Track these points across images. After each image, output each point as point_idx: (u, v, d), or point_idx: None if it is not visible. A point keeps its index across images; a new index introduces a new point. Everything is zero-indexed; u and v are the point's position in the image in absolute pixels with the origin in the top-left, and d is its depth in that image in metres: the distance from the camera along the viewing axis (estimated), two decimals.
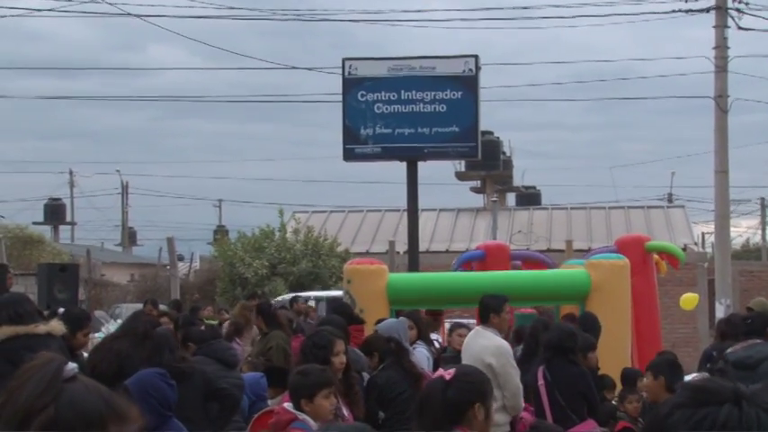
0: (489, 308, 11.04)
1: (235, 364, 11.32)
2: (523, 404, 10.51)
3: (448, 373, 5.79)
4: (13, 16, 30.85)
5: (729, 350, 11.09)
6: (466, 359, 10.38)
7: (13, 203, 56.42)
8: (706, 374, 10.72)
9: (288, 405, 6.99)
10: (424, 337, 12.55)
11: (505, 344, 10.82)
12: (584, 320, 12.51)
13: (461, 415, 5.57)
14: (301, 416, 6.66)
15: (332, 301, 14.93)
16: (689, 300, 20.74)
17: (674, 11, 29.00)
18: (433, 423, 5.54)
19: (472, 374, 5.92)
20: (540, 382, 10.16)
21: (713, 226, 30.38)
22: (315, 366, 7.32)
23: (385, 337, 10.60)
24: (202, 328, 12.27)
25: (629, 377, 12.04)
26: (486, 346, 10.54)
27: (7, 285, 14.92)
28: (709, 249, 33.55)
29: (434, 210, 39.13)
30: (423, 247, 26.03)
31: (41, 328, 8.41)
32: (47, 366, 3.15)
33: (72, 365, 3.16)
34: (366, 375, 10.42)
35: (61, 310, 12.22)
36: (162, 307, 18.12)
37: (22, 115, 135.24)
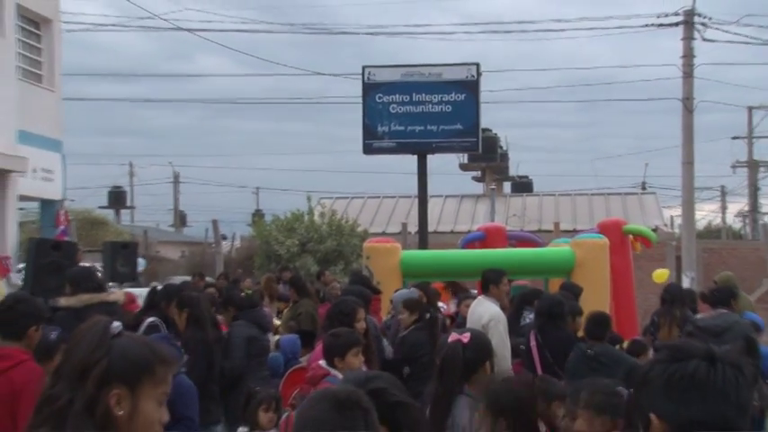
0: (489, 280, 11.11)
1: (269, 328, 11.35)
2: (510, 366, 10.57)
3: (464, 337, 5.79)
4: (81, 30, 30.76)
5: (699, 317, 11.10)
6: (469, 323, 10.42)
7: (81, 190, 56.48)
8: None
9: (321, 362, 7.01)
10: (431, 304, 12.55)
11: (500, 312, 10.86)
12: (568, 287, 12.58)
13: (475, 372, 5.59)
14: (333, 371, 6.68)
15: (353, 274, 14.92)
16: (660, 274, 20.77)
17: (647, 25, 29.08)
18: (452, 379, 5.56)
19: (482, 337, 5.96)
20: (533, 343, 10.19)
21: (680, 210, 30.34)
22: (345, 329, 7.37)
23: (426, 306, 10.68)
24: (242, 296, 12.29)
25: (612, 340, 12.05)
26: (482, 313, 10.64)
27: (77, 260, 14.91)
28: (677, 230, 33.41)
29: (441, 196, 39.07)
30: (431, 228, 25.98)
31: (112, 296, 8.49)
32: (95, 327, 3.21)
33: (117, 324, 3.23)
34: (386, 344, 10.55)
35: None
36: (207, 279, 18.16)
37: (89, 115, 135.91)
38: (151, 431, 3.20)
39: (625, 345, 11.70)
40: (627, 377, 8.51)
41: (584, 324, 10.01)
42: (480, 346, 5.72)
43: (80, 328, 3.27)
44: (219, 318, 10.57)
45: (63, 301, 8.45)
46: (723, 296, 11.07)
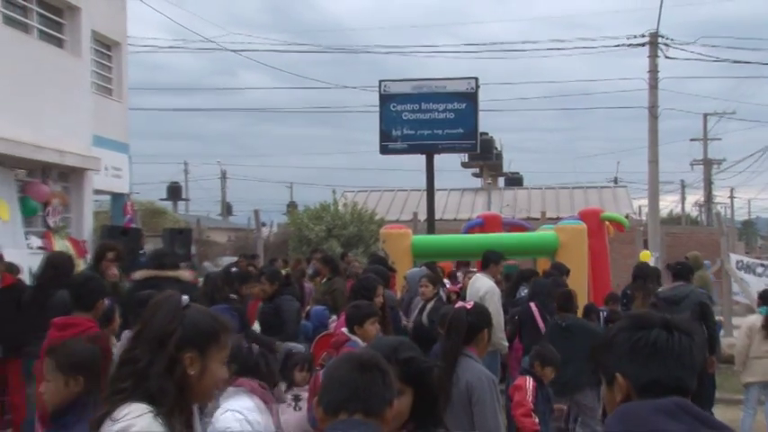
0: (490, 260, 11.26)
1: (306, 301, 11.44)
2: (506, 341, 10.64)
3: (468, 304, 5.85)
4: (144, 52, 30.94)
5: (660, 289, 11.11)
6: (469, 295, 10.50)
7: (144, 185, 56.54)
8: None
9: (344, 329, 7.06)
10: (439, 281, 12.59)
11: (495, 286, 10.98)
12: (556, 267, 12.60)
13: (475, 336, 5.61)
14: (353, 338, 6.73)
15: (372, 256, 14.92)
16: (645, 254, 20.98)
17: (619, 45, 29.01)
18: (457, 339, 5.59)
19: (483, 308, 5.97)
20: (534, 308, 10.27)
21: (647, 200, 30.25)
22: (364, 302, 7.41)
23: (441, 281, 10.77)
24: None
25: (588, 309, 12.07)
26: (480, 287, 10.73)
27: (141, 243, 15.02)
28: (644, 217, 33.33)
29: (446, 189, 39.02)
30: (437, 216, 25.96)
31: (181, 273, 8.54)
32: (169, 300, 3.27)
33: (185, 297, 3.30)
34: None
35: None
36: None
37: (150, 122, 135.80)
38: (216, 387, 3.30)
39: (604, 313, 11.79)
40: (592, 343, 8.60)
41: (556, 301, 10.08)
42: (481, 315, 5.75)
43: (154, 301, 3.32)
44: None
45: (138, 275, 8.53)
46: (684, 271, 11.07)
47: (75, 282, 6.82)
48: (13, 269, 11.23)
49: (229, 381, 4.84)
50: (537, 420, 6.92)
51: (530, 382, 7.24)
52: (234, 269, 10.68)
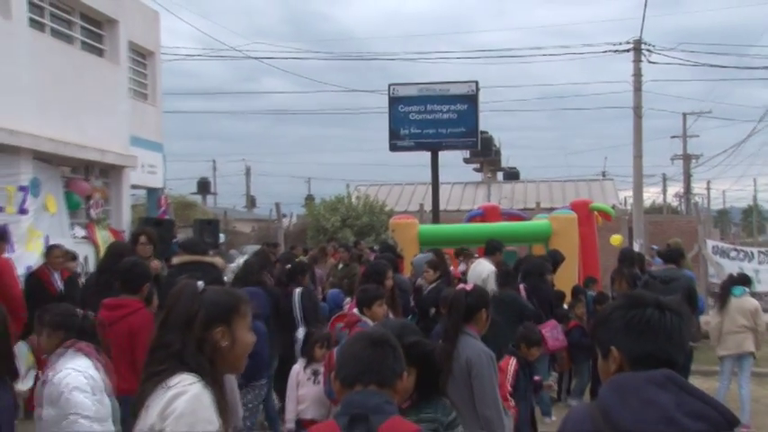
0: (494, 247, 11.38)
1: (316, 286, 11.48)
2: None
3: (467, 287, 5.85)
4: (176, 60, 30.91)
5: (653, 269, 11.18)
6: (471, 278, 10.51)
7: (177, 181, 56.91)
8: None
9: (355, 311, 7.08)
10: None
11: (489, 268, 10.97)
12: (552, 254, 12.57)
13: (474, 315, 5.62)
14: (363, 318, 6.76)
15: (382, 243, 14.95)
16: (615, 238, 20.87)
17: (606, 51, 28.95)
18: (457, 319, 5.59)
19: (482, 290, 5.97)
20: (524, 292, 10.24)
21: (632, 192, 30.20)
22: (372, 285, 7.44)
23: (445, 266, 10.79)
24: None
25: (577, 291, 12.06)
26: (481, 271, 10.79)
27: (174, 233, 15.04)
28: (629, 207, 33.23)
29: (449, 183, 38.97)
30: (441, 207, 25.91)
31: (210, 258, 8.57)
32: (188, 287, 3.30)
33: (200, 282, 3.34)
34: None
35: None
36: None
37: (182, 124, 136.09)
38: (246, 352, 3.31)
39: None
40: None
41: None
42: (479, 296, 5.76)
43: (173, 291, 3.34)
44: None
45: (175, 260, 8.57)
46: (674, 255, 11.17)
47: (123, 267, 6.87)
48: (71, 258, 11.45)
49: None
50: (513, 403, 6.95)
51: (512, 364, 7.26)
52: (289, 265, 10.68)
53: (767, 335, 11.46)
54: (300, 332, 9.25)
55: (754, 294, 11.75)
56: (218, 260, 8.45)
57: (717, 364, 11.23)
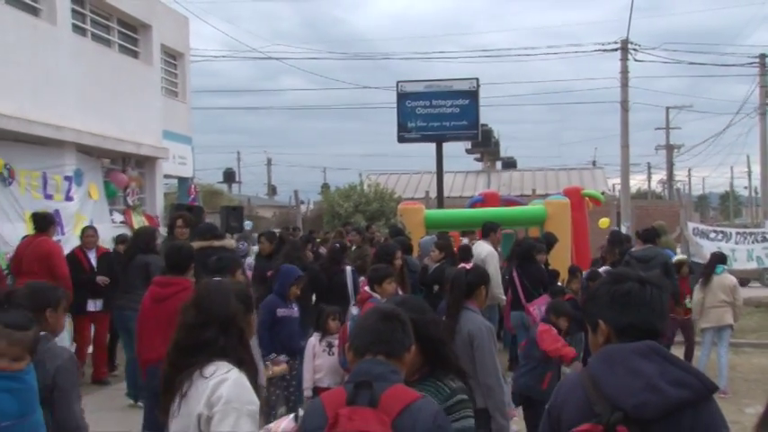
0: (490, 229, 11.35)
1: None
2: (503, 295, 10.59)
3: (467, 265, 5.87)
4: (204, 60, 30.94)
5: (633, 250, 11.19)
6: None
7: (205, 171, 57.02)
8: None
9: (367, 288, 7.09)
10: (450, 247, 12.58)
11: (494, 251, 10.96)
12: (547, 236, 12.57)
13: (474, 292, 5.62)
14: (374, 294, 6.77)
15: (392, 227, 14.94)
16: (603, 221, 20.85)
17: (596, 50, 29.03)
18: (459, 295, 5.59)
19: (481, 268, 5.98)
20: (515, 274, 10.23)
21: (620, 179, 30.19)
22: (383, 265, 7.47)
23: (449, 246, 10.77)
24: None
25: (573, 270, 12.04)
26: (481, 251, 10.75)
27: (203, 218, 15.03)
28: (617, 193, 33.17)
29: (453, 172, 38.87)
30: (446, 194, 25.81)
31: (226, 242, 8.57)
32: (223, 287, 3.35)
33: (223, 279, 3.54)
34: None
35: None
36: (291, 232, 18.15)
37: (210, 119, 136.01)
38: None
39: (584, 273, 11.77)
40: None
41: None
42: (478, 274, 5.76)
43: (203, 291, 3.34)
44: None
45: (195, 245, 8.58)
46: (651, 235, 11.29)
47: (172, 250, 6.93)
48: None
49: None
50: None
51: (551, 329, 7.31)
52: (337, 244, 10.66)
53: (744, 308, 11.51)
54: (354, 307, 8.95)
55: (730, 272, 11.77)
56: (229, 242, 8.44)
57: (699, 336, 11.28)
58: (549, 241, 12.03)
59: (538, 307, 9.65)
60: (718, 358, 10.67)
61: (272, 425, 3.21)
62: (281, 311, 7.61)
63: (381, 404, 2.74)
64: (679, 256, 13.16)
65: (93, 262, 11.02)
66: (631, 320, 2.71)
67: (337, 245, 10.50)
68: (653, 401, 2.51)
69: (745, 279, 21.66)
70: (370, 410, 2.73)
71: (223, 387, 2.97)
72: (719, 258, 11.27)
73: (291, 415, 3.57)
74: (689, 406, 2.52)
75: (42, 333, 3.53)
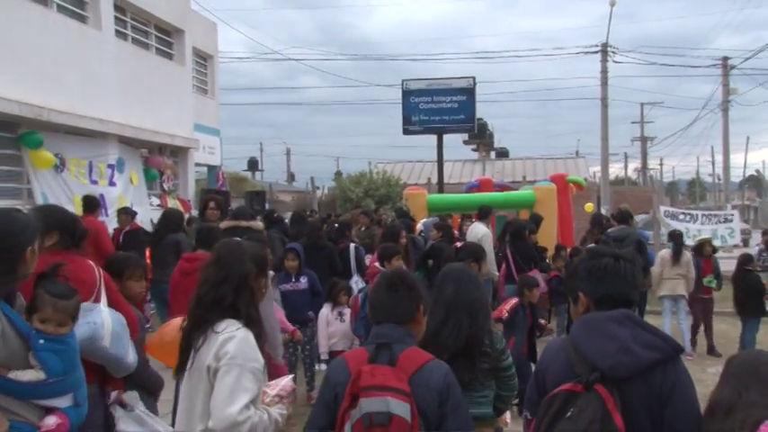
0: (485, 212, 11.28)
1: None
2: (497, 271, 10.59)
3: (458, 244, 5.90)
4: (230, 61, 30.81)
5: (609, 230, 11.18)
6: (469, 238, 10.49)
7: (231, 160, 57.09)
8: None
9: (376, 264, 7.12)
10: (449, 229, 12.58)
11: (489, 231, 10.95)
12: (534, 217, 12.58)
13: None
14: (383, 270, 6.77)
15: (398, 210, 14.94)
16: (589, 206, 20.87)
17: (578, 53, 28.84)
18: None
19: (472, 245, 6.01)
20: (508, 251, 10.23)
21: (600, 167, 30.11)
22: (390, 243, 7.45)
23: (446, 227, 10.77)
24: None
25: (558, 248, 12.06)
26: (477, 232, 10.75)
27: (229, 202, 15.09)
28: (597, 180, 33.10)
29: (452, 160, 38.67)
30: (445, 180, 25.73)
31: (253, 223, 8.55)
32: (236, 248, 3.32)
33: (238, 239, 3.47)
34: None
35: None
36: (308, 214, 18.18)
37: (236, 114, 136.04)
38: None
39: (568, 251, 11.80)
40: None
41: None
42: (468, 250, 5.79)
43: (220, 251, 3.30)
44: None
45: (223, 224, 8.58)
46: (624, 217, 11.27)
47: (203, 228, 6.95)
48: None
49: None
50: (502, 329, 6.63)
51: (512, 302, 7.13)
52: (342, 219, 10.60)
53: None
54: (355, 280, 9.00)
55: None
56: (257, 224, 8.43)
57: (656, 304, 11.35)
58: (537, 221, 12.05)
59: None
60: (678, 324, 10.76)
61: (271, 383, 3.16)
62: (285, 287, 7.61)
63: (399, 363, 2.78)
64: (703, 236, 12.98)
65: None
66: (607, 292, 2.73)
67: (336, 225, 10.50)
68: (626, 362, 2.53)
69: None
70: (389, 368, 2.77)
71: (230, 344, 2.94)
72: (674, 238, 11.35)
73: (291, 375, 3.54)
74: (658, 366, 2.55)
75: None
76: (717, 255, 11.61)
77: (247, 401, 2.89)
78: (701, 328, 11.11)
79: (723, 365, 2.67)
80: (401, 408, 2.65)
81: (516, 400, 5.47)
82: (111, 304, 3.92)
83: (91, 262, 4.03)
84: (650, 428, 2.53)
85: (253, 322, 3.09)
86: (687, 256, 10.91)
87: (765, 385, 2.44)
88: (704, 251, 11.23)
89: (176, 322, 3.37)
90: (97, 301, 3.84)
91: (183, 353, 3.12)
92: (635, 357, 2.54)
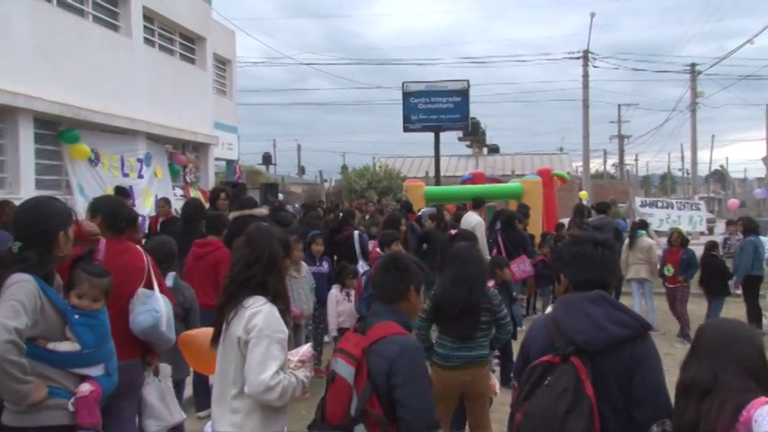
0: (478, 202, 11.28)
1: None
2: (488, 255, 10.59)
3: (453, 231, 5.90)
4: (246, 65, 30.76)
5: (589, 219, 11.19)
6: (463, 225, 10.47)
7: (247, 155, 56.86)
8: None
9: (378, 249, 7.12)
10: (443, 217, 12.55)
11: (481, 220, 10.94)
12: (522, 207, 12.55)
13: None
14: (384, 254, 6.76)
15: (399, 201, 14.96)
16: (583, 194, 20.95)
17: (563, 58, 29.24)
18: (446, 257, 5.60)
19: (466, 232, 6.02)
20: (500, 238, 10.23)
21: (582, 163, 30.09)
22: (390, 230, 7.49)
23: (440, 217, 10.72)
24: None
25: (543, 236, 12.07)
26: (471, 220, 10.74)
27: (246, 193, 15.05)
28: (580, 174, 33.08)
29: (447, 156, 38.66)
30: (442, 174, 25.63)
31: (262, 210, 8.52)
32: (266, 233, 3.27)
33: (266, 224, 3.40)
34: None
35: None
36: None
37: (251, 114, 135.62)
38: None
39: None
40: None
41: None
42: (461, 237, 5.79)
43: (251, 234, 3.25)
44: None
45: (232, 214, 8.51)
46: (603, 207, 11.30)
47: (211, 216, 6.94)
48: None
49: None
50: None
51: (491, 284, 7.08)
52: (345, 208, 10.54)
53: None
54: (360, 264, 8.76)
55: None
56: (260, 210, 8.34)
57: (625, 286, 11.36)
58: (524, 211, 12.04)
59: (518, 265, 9.69)
60: (646, 304, 10.79)
61: (292, 351, 3.18)
62: (310, 269, 7.56)
63: (368, 333, 2.79)
64: (675, 225, 12.86)
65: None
66: (586, 276, 2.74)
67: (341, 213, 10.42)
68: (599, 337, 2.56)
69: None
70: (359, 336, 2.82)
71: (257, 318, 2.97)
72: (640, 225, 11.37)
73: (309, 343, 3.59)
74: (628, 341, 2.56)
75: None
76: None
77: (277, 368, 2.94)
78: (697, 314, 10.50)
79: (692, 340, 2.66)
80: (345, 369, 2.71)
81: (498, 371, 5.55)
82: (161, 288, 3.91)
83: (139, 248, 3.97)
84: (620, 397, 2.55)
85: (280, 298, 3.11)
86: (648, 242, 10.84)
87: (739, 365, 2.40)
88: (671, 240, 10.79)
89: (209, 332, 3.37)
90: (148, 285, 3.79)
91: (218, 326, 3.15)
92: (607, 333, 2.56)
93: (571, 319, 2.65)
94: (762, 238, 11.01)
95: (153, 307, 3.72)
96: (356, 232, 9.37)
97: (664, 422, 2.48)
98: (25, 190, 10.44)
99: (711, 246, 10.69)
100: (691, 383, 2.45)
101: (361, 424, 2.66)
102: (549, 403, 2.53)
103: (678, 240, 10.53)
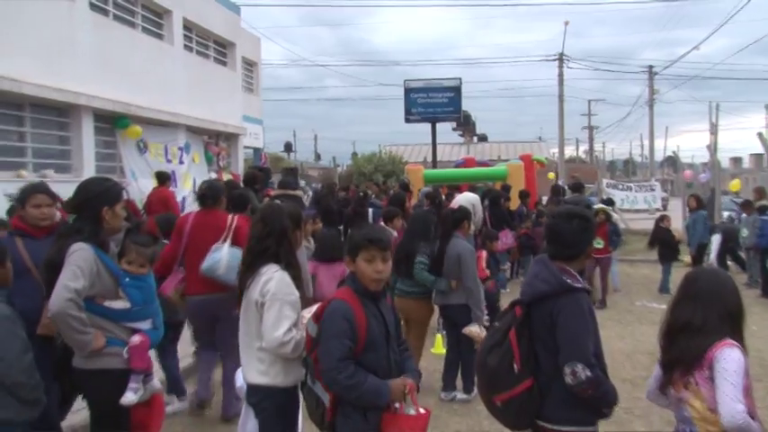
0: (473, 186, 11.20)
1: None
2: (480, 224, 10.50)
3: (454, 206, 5.85)
4: (271, 67, 30.55)
5: (565, 198, 11.12)
6: (460, 201, 10.38)
7: (271, 143, 56.69)
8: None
9: (382, 223, 7.07)
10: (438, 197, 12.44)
11: (475, 197, 10.82)
12: (505, 186, 12.48)
13: (459, 224, 5.61)
14: (388, 228, 6.68)
15: (401, 183, 14.89)
16: (551, 175, 20.78)
17: (541, 60, 28.72)
18: (448, 227, 5.60)
19: (464, 208, 5.96)
20: (486, 214, 10.19)
21: (557, 149, 29.96)
22: (393, 207, 7.42)
23: (435, 196, 10.66)
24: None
25: (529, 213, 11.95)
26: (468, 197, 10.58)
27: (270, 176, 15.07)
28: (556, 159, 32.94)
29: (443, 143, 38.31)
30: (438, 159, 25.45)
31: (295, 192, 8.47)
32: (279, 208, 3.21)
33: (278, 201, 3.38)
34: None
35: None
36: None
37: (275, 109, 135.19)
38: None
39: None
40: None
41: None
42: (462, 212, 5.73)
43: (266, 211, 3.19)
44: None
45: (272, 192, 8.50)
46: (578, 186, 11.24)
47: (235, 194, 6.84)
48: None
49: None
50: (489, 272, 6.63)
51: (485, 255, 7.06)
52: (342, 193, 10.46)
53: (639, 236, 11.25)
54: None
55: (629, 211, 11.70)
56: (299, 193, 8.34)
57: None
58: (507, 190, 11.96)
59: (501, 238, 9.66)
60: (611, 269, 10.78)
61: (305, 310, 3.14)
62: None
63: (334, 296, 2.79)
64: (598, 206, 12.73)
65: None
66: (566, 244, 2.74)
67: (362, 193, 10.41)
68: (527, 291, 2.73)
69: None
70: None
71: (271, 283, 2.94)
72: (607, 202, 11.47)
73: (319, 303, 3.55)
74: (551, 296, 2.64)
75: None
76: (644, 216, 11.29)
77: (290, 325, 2.93)
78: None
79: (649, 301, 2.66)
80: (311, 327, 2.75)
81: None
82: (238, 243, 4.54)
83: (229, 215, 4.82)
84: (550, 340, 2.63)
85: (292, 266, 3.07)
86: (614, 216, 10.69)
87: (725, 309, 2.49)
88: (598, 217, 10.02)
89: None
90: (224, 241, 4.65)
91: (241, 291, 3.12)
92: (533, 288, 2.70)
93: (526, 278, 2.85)
94: (701, 211, 10.89)
95: (214, 255, 4.56)
96: (370, 209, 9.53)
97: (574, 364, 2.52)
98: (87, 174, 10.51)
99: (660, 218, 10.89)
100: (685, 324, 2.50)
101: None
102: (485, 339, 2.81)
103: (603, 217, 9.92)
